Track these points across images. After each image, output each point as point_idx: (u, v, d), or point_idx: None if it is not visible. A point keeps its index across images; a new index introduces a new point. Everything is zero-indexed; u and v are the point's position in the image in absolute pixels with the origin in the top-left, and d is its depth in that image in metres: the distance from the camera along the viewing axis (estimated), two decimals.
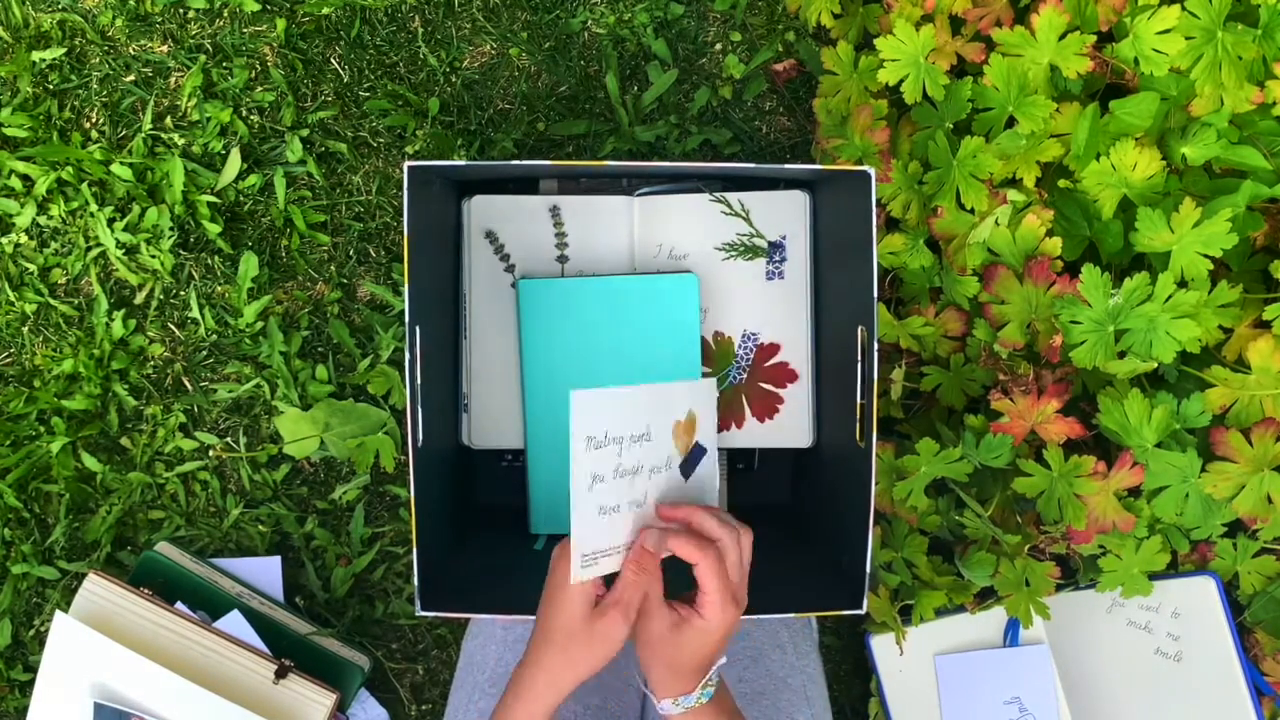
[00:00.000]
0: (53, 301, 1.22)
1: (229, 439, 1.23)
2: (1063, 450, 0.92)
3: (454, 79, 1.23)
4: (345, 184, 1.23)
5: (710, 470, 0.80)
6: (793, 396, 1.05)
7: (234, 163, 1.21)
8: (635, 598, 0.70)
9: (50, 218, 1.22)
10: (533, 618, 0.75)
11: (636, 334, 0.99)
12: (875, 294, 0.84)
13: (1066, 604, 1.11)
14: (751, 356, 1.04)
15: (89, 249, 1.22)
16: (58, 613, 1.08)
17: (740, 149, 1.23)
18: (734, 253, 1.03)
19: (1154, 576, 0.98)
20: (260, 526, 1.22)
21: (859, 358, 0.87)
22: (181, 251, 1.23)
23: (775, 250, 1.03)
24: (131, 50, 1.23)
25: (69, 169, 1.21)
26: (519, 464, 1.09)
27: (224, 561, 1.21)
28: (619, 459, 0.70)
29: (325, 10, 1.22)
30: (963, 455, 0.95)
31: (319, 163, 1.22)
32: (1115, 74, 0.93)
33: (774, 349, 1.04)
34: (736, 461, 1.10)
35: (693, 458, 0.77)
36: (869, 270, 0.85)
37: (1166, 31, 0.86)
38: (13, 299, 1.22)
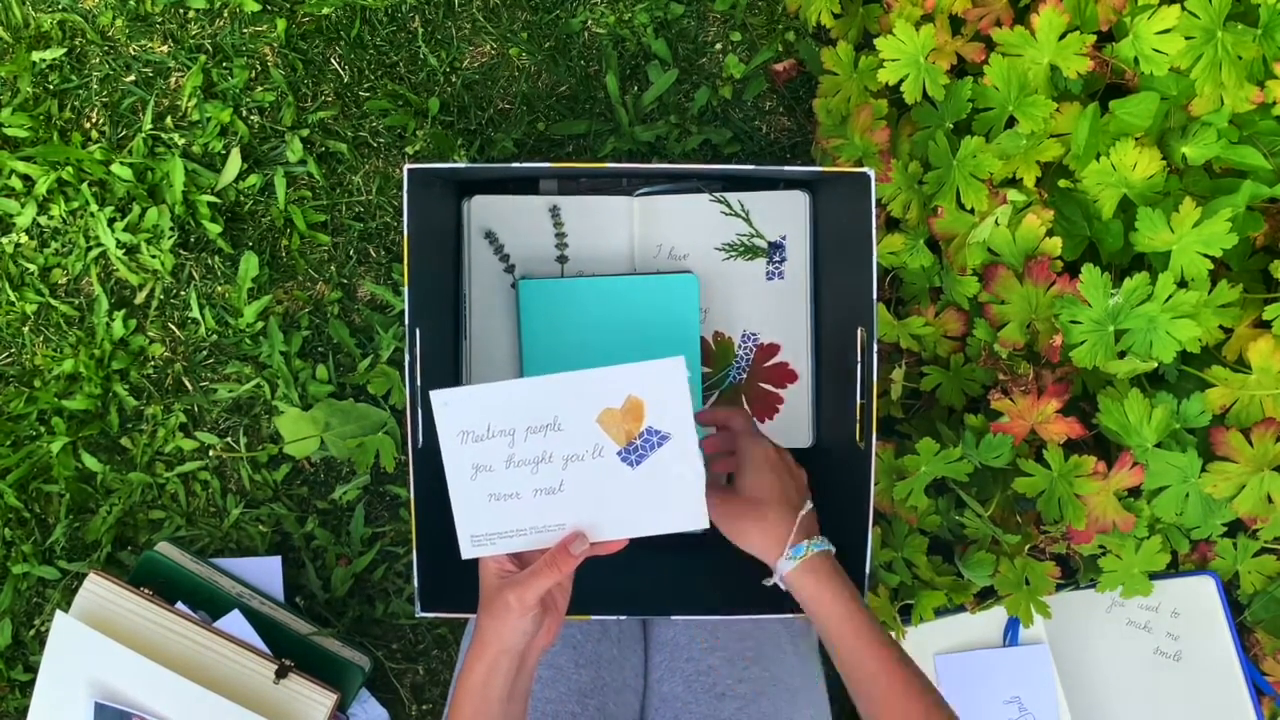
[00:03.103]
0: (53, 301, 1.22)
1: (229, 439, 1.23)
2: (1063, 450, 0.92)
3: (454, 79, 1.23)
4: (345, 184, 1.23)
5: (681, 457, 0.76)
6: (792, 397, 1.05)
7: (234, 163, 1.21)
8: (537, 585, 0.74)
9: (50, 218, 1.22)
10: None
11: (636, 334, 0.99)
12: (875, 294, 0.84)
13: (1066, 604, 1.11)
14: (751, 356, 1.04)
15: (89, 249, 1.22)
16: (58, 612, 1.08)
17: (740, 149, 1.23)
18: (734, 253, 1.03)
19: (1154, 576, 0.98)
20: (260, 526, 1.22)
21: (859, 358, 0.87)
22: (182, 251, 1.23)
23: (775, 250, 1.03)
24: (131, 50, 1.23)
25: (69, 169, 1.21)
26: None
27: (224, 561, 1.21)
28: (511, 450, 0.75)
29: (325, 10, 1.22)
30: (963, 455, 0.95)
31: (319, 163, 1.22)
32: (1115, 74, 0.93)
33: (774, 349, 1.04)
34: None
35: (643, 445, 0.76)
36: (869, 270, 0.85)
37: (1166, 31, 0.86)
38: (13, 299, 1.22)
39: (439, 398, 0.74)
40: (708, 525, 0.78)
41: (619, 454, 0.76)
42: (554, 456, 0.76)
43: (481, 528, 0.77)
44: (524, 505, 0.76)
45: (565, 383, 0.75)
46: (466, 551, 0.77)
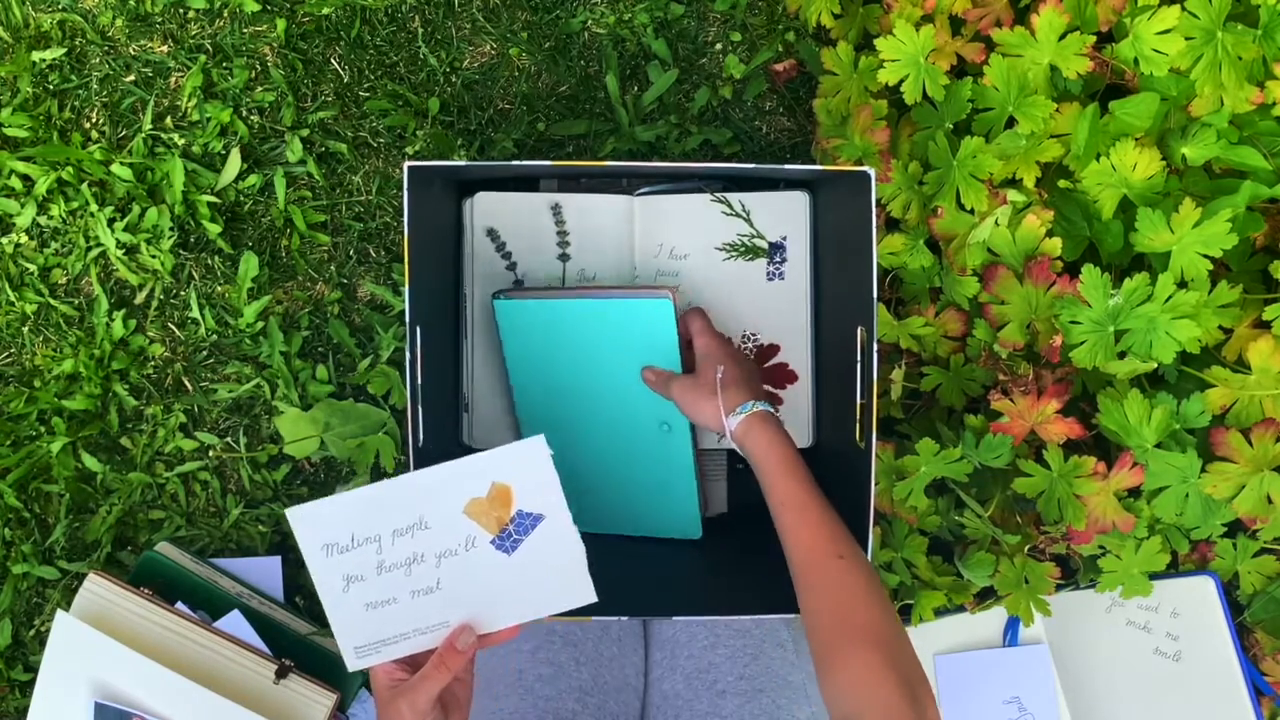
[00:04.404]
0: (53, 301, 1.22)
1: (229, 439, 1.23)
2: (1063, 450, 0.92)
3: (454, 79, 1.23)
4: (345, 184, 1.23)
5: (558, 536, 0.75)
6: (793, 397, 1.05)
7: (234, 163, 1.21)
8: (428, 688, 0.73)
9: (50, 218, 1.22)
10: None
11: (613, 354, 0.96)
12: (875, 294, 0.84)
13: (1066, 604, 1.11)
14: (752, 357, 1.04)
15: (89, 249, 1.22)
16: (59, 612, 1.08)
17: (740, 149, 1.23)
18: (734, 253, 1.03)
19: (1154, 576, 0.98)
20: (260, 526, 1.22)
21: (859, 358, 0.87)
22: (181, 251, 1.23)
23: (775, 251, 1.03)
24: (131, 50, 1.23)
25: (69, 169, 1.21)
26: None
27: (224, 561, 1.21)
28: (380, 556, 0.74)
29: (325, 10, 1.22)
30: (963, 455, 0.95)
31: (319, 163, 1.22)
32: (1115, 74, 0.93)
33: (774, 349, 1.04)
34: (737, 462, 1.11)
35: (517, 530, 0.75)
36: (869, 270, 0.85)
37: (1166, 31, 0.86)
38: (13, 299, 1.22)
39: (294, 515, 0.73)
40: (595, 599, 0.77)
41: (493, 543, 0.75)
42: (426, 556, 0.74)
43: (362, 638, 0.75)
44: (403, 609, 0.75)
45: (424, 479, 0.73)
46: (351, 664, 0.75)
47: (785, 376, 1.05)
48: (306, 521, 0.73)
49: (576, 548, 0.76)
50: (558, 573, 0.76)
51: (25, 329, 1.23)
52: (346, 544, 0.74)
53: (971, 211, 0.95)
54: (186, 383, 1.24)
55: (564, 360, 0.98)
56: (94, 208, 1.21)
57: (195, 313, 1.22)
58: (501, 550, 0.75)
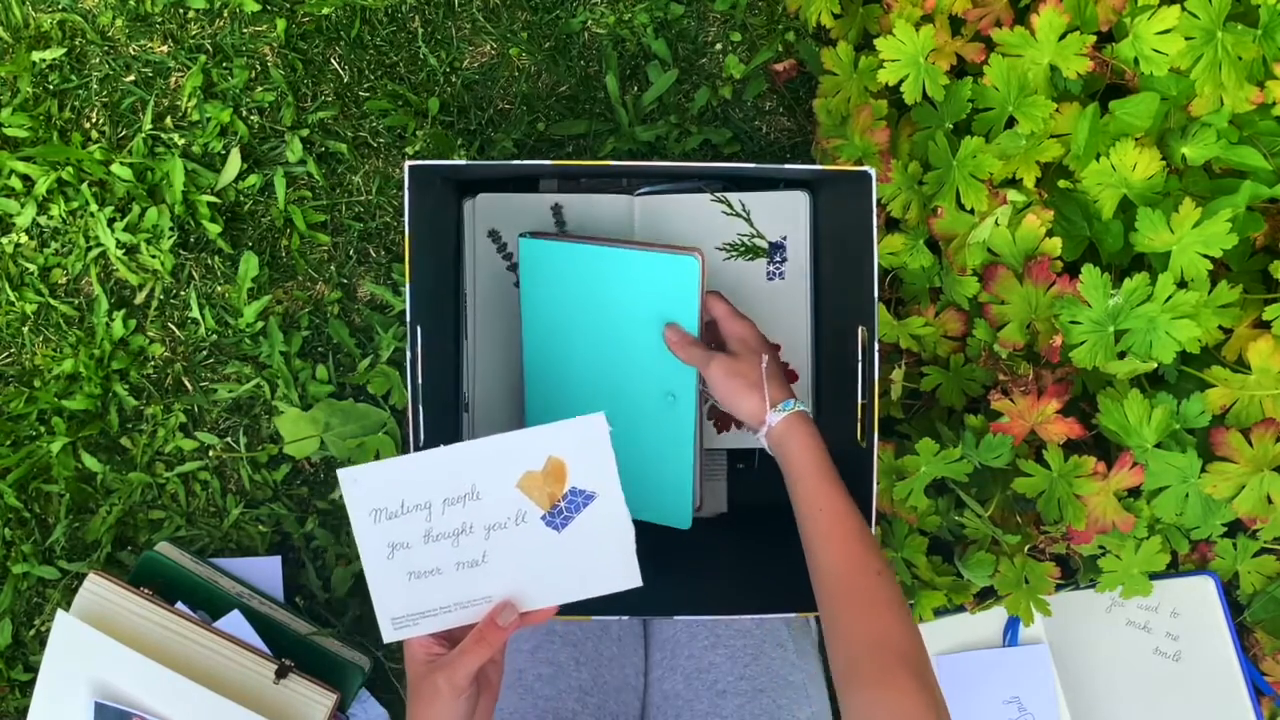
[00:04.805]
0: (53, 301, 1.22)
1: (229, 439, 1.23)
2: (1063, 450, 0.92)
3: (454, 79, 1.23)
4: (345, 184, 1.23)
5: (609, 516, 0.74)
6: None
7: (234, 163, 1.21)
8: (467, 664, 0.71)
9: (50, 218, 1.22)
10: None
11: (633, 309, 0.94)
12: (875, 294, 0.84)
13: (1066, 604, 1.11)
14: None
15: (89, 249, 1.22)
16: (59, 612, 1.08)
17: (740, 149, 1.23)
18: (734, 253, 1.03)
19: (1154, 576, 0.98)
20: (260, 526, 1.22)
21: (859, 358, 0.87)
22: (181, 251, 1.23)
23: (776, 251, 1.03)
24: (131, 50, 1.23)
25: (69, 169, 1.21)
26: None
27: (224, 561, 1.21)
28: (428, 524, 0.72)
29: (325, 10, 1.22)
30: (963, 455, 0.95)
31: (319, 163, 1.22)
32: (1115, 74, 0.93)
33: (774, 349, 1.04)
34: (736, 461, 1.11)
35: (568, 508, 0.73)
36: (869, 270, 0.85)
37: (1166, 31, 0.86)
38: (13, 299, 1.22)
39: (347, 476, 0.71)
40: (640, 583, 0.76)
41: (543, 518, 0.73)
42: (474, 527, 0.73)
43: (402, 609, 0.73)
44: (446, 581, 0.73)
45: (481, 449, 0.72)
46: (388, 635, 0.74)
47: (785, 376, 1.05)
48: (358, 484, 0.71)
49: (627, 530, 0.74)
50: (605, 554, 0.75)
51: (25, 329, 1.23)
52: (396, 510, 0.72)
53: (971, 211, 0.95)
54: (186, 383, 1.24)
55: (580, 310, 0.95)
56: (94, 208, 1.21)
57: (195, 313, 1.22)
58: (551, 527, 0.74)
